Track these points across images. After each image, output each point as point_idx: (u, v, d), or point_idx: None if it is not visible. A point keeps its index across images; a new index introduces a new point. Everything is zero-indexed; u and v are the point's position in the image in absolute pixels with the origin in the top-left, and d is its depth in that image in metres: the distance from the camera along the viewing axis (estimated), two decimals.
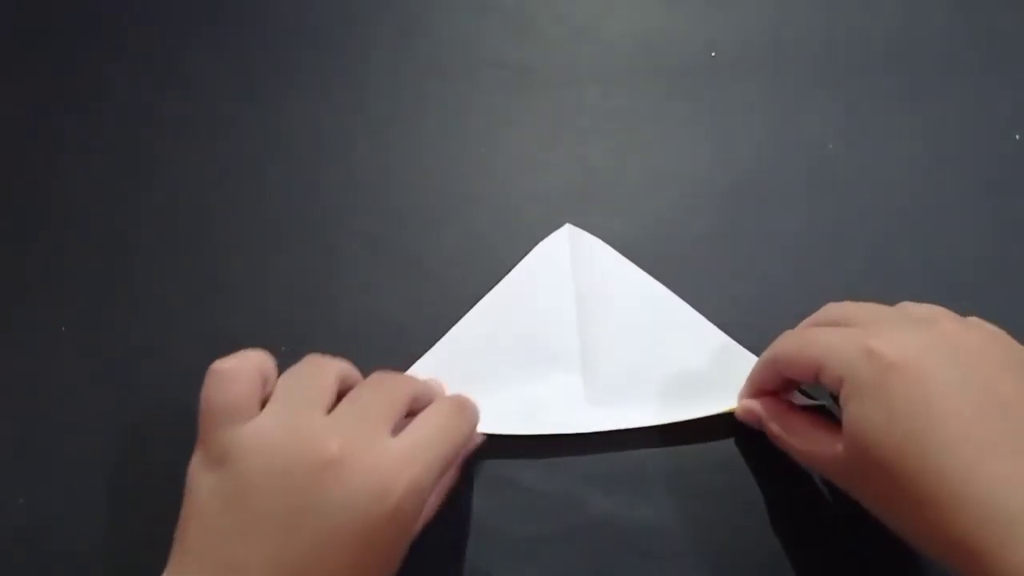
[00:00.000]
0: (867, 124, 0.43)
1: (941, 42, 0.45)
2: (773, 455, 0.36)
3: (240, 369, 0.29)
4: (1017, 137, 0.43)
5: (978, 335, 0.29)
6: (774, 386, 0.34)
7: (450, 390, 0.36)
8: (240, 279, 0.40)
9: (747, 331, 0.37)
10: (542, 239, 0.40)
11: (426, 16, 0.46)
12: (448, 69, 0.45)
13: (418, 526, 0.31)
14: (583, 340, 0.37)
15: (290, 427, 0.28)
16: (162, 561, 0.35)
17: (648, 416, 0.36)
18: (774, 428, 0.33)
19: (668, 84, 0.44)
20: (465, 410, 0.32)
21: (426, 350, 0.38)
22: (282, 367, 0.39)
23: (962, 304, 0.39)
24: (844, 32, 0.45)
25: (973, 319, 0.31)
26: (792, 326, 0.35)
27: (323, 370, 0.30)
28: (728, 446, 0.36)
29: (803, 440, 0.32)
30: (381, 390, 0.31)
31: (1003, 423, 0.26)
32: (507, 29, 0.46)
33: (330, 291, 0.40)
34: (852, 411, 0.28)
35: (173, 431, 0.37)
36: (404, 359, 0.37)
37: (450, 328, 0.38)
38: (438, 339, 0.38)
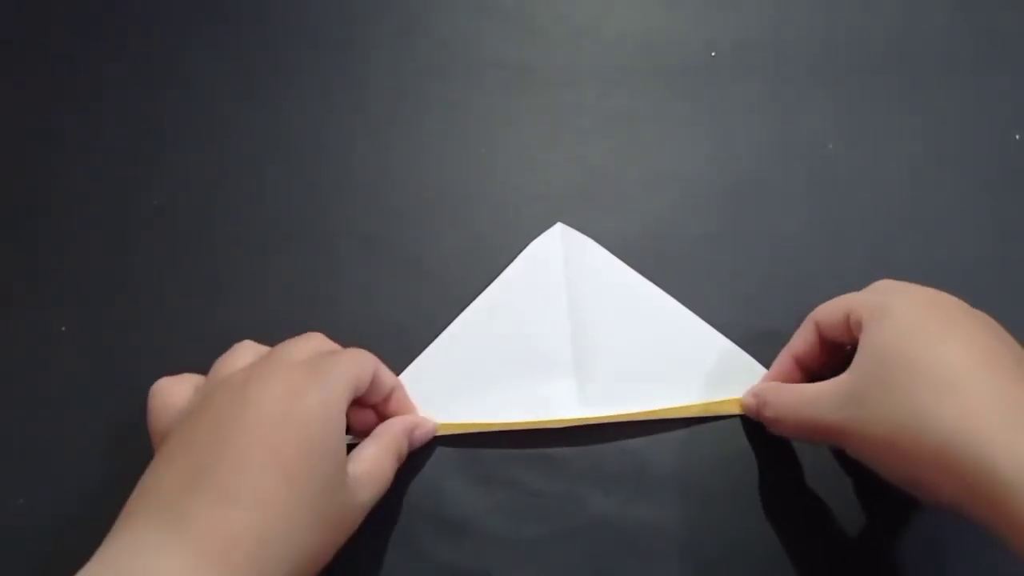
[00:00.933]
0: (867, 124, 0.43)
1: (941, 42, 0.45)
2: (773, 455, 0.36)
3: (179, 379, 0.33)
4: (1017, 137, 0.43)
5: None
6: (805, 350, 0.34)
7: (443, 391, 0.36)
8: (240, 279, 0.40)
9: (747, 331, 0.38)
10: (542, 235, 0.40)
11: (426, 16, 0.46)
12: (448, 69, 0.45)
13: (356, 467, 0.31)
14: (575, 339, 0.38)
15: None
16: None
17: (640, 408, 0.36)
18: (771, 398, 0.34)
19: (668, 84, 0.44)
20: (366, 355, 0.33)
21: (427, 348, 0.38)
22: None
23: None
24: (844, 32, 0.45)
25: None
26: (792, 326, 0.35)
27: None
28: (728, 447, 0.36)
29: (798, 395, 0.32)
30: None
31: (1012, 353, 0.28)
32: (507, 29, 0.46)
33: (330, 291, 0.40)
34: (873, 327, 0.30)
35: None
36: (404, 359, 0.37)
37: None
38: (439, 337, 0.38)
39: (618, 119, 0.44)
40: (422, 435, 0.35)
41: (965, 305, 0.31)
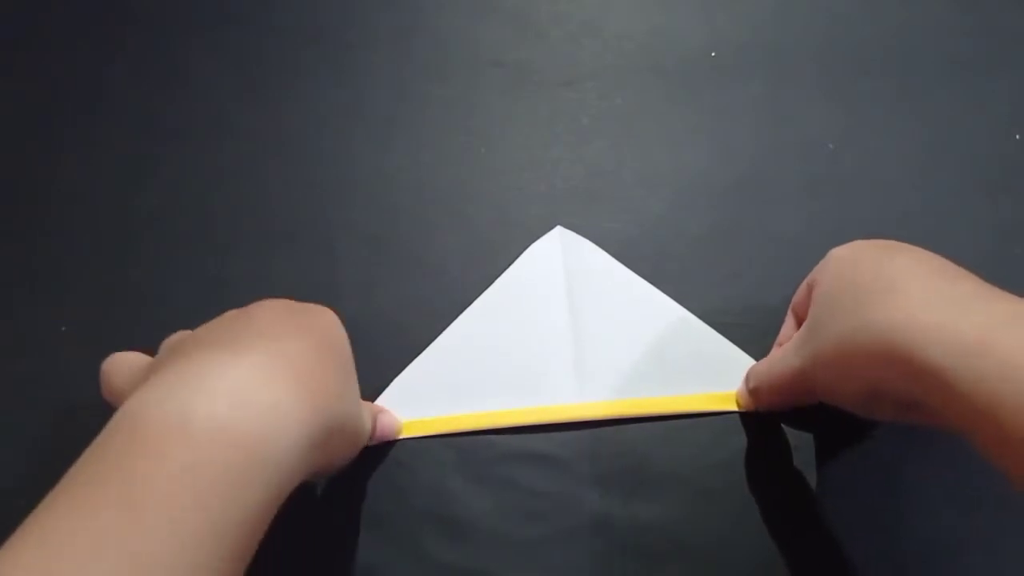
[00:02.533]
0: (867, 124, 0.43)
1: (941, 42, 0.45)
2: (773, 456, 0.36)
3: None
4: (1017, 137, 0.43)
5: None
6: (789, 336, 0.35)
7: (441, 395, 0.37)
8: (240, 279, 0.40)
9: (746, 331, 0.38)
10: (541, 238, 0.40)
11: (426, 16, 0.46)
12: (448, 69, 0.45)
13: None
14: (575, 339, 0.38)
15: None
16: None
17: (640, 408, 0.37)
18: (751, 371, 0.35)
19: (668, 84, 0.44)
20: None
21: (426, 349, 0.38)
22: None
23: None
24: (844, 32, 0.45)
25: None
26: None
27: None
28: (728, 447, 0.36)
29: (770, 357, 0.34)
30: None
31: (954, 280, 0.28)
32: (507, 29, 0.46)
33: (330, 291, 0.40)
34: (820, 275, 0.32)
35: None
36: (404, 359, 0.37)
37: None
38: (438, 338, 0.38)
39: (618, 119, 0.44)
40: (386, 421, 0.35)
41: (904, 243, 0.32)
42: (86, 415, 0.38)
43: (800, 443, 0.36)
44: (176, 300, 0.40)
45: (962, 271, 0.29)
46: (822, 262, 0.33)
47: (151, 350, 0.39)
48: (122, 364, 0.30)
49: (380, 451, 0.36)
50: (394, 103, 0.44)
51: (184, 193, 0.42)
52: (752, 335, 0.37)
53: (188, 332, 0.30)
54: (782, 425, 0.36)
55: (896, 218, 0.41)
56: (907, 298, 0.27)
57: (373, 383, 0.37)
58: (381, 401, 0.36)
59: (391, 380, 0.37)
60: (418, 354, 0.38)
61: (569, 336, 0.38)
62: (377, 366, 0.37)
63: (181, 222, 0.42)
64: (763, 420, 0.36)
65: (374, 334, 0.39)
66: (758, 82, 0.44)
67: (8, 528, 0.36)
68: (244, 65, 0.45)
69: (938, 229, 0.41)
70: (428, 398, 0.36)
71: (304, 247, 0.41)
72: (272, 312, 0.29)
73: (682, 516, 0.35)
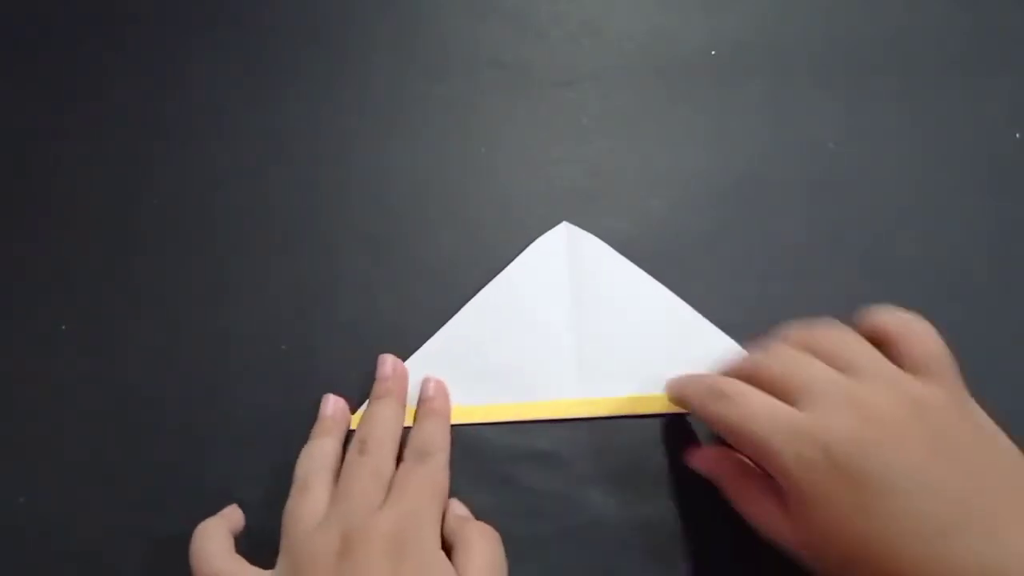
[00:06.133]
0: (867, 124, 0.43)
1: (941, 42, 0.45)
2: None
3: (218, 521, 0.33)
4: (1017, 136, 0.43)
5: (909, 407, 0.29)
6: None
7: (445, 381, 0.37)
8: (240, 279, 0.40)
9: (747, 331, 0.37)
10: (546, 233, 0.40)
11: (426, 16, 0.46)
12: (448, 69, 0.45)
13: None
14: (578, 338, 0.38)
15: None
16: (161, 560, 0.35)
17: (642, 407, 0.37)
18: (726, 487, 0.33)
19: (668, 84, 0.44)
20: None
21: (427, 341, 0.38)
22: (282, 366, 0.39)
23: (962, 304, 0.39)
24: (844, 32, 0.45)
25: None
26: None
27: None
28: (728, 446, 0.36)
29: (755, 510, 0.31)
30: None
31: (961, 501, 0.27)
32: (507, 29, 0.46)
33: (330, 291, 0.40)
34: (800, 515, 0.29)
35: (173, 431, 0.37)
36: (404, 359, 0.38)
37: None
38: (439, 330, 0.38)
39: (618, 119, 0.44)
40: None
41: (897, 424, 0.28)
42: (86, 415, 0.38)
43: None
44: (176, 300, 0.40)
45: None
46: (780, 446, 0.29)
47: (150, 350, 0.39)
48: (210, 543, 0.32)
49: None
50: (394, 103, 0.44)
51: (184, 193, 0.42)
52: (751, 335, 0.37)
53: (313, 509, 0.32)
54: None
55: (896, 218, 0.41)
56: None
57: (372, 384, 0.37)
58: None
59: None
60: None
61: (572, 331, 0.38)
62: (376, 366, 0.37)
63: (181, 222, 0.42)
64: None
65: (374, 334, 0.39)
66: (758, 82, 0.44)
67: (8, 528, 0.36)
68: (244, 65, 0.45)
69: (938, 229, 0.41)
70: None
71: (304, 247, 0.41)
72: None
73: (683, 516, 0.35)
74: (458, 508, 0.34)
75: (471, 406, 0.37)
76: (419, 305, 0.39)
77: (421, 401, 0.36)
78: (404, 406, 0.36)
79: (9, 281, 0.40)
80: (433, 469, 0.33)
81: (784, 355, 0.32)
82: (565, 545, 0.35)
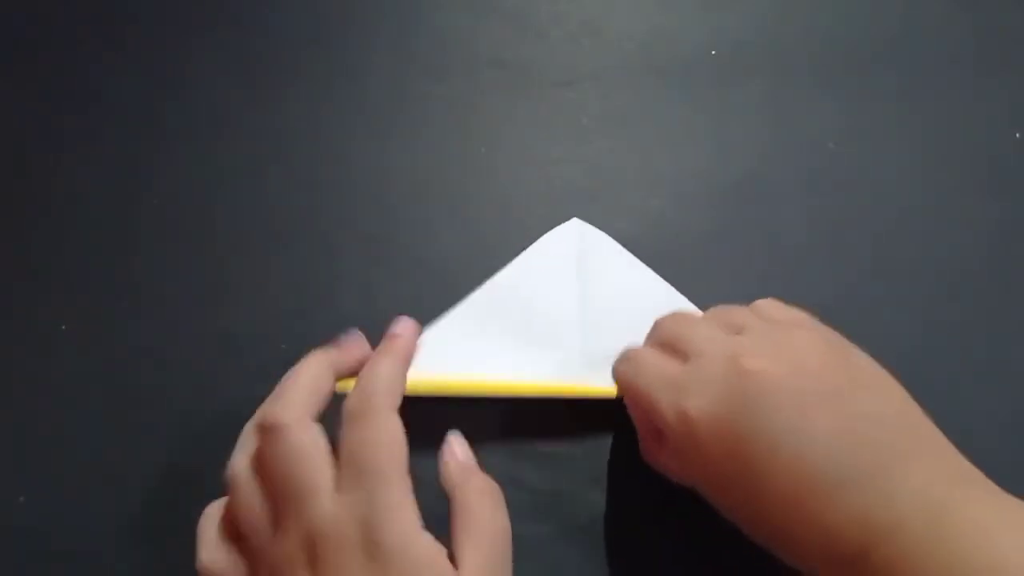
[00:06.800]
0: (867, 124, 0.43)
1: (941, 41, 0.45)
2: None
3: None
4: (1017, 136, 0.43)
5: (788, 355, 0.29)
6: None
7: (447, 370, 0.35)
8: (240, 279, 0.40)
9: None
10: (556, 228, 0.40)
11: (426, 16, 0.46)
12: (448, 69, 0.45)
13: None
14: (583, 333, 0.37)
15: None
16: (161, 560, 0.35)
17: None
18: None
19: (668, 84, 0.44)
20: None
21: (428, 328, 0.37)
22: (282, 366, 0.39)
23: (962, 304, 0.39)
24: (844, 32, 0.45)
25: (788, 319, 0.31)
26: None
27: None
28: None
29: (648, 453, 0.33)
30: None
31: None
32: (507, 29, 0.46)
33: (330, 291, 0.40)
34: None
35: (173, 431, 0.38)
36: None
37: None
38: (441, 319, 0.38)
39: (618, 118, 0.44)
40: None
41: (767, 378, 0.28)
42: (86, 415, 0.38)
43: None
44: (176, 300, 0.40)
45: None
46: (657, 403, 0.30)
47: (150, 350, 0.39)
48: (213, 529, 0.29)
49: None
50: (394, 103, 0.44)
51: (184, 193, 0.42)
52: None
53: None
54: None
55: (896, 218, 0.41)
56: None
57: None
58: None
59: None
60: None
61: (577, 326, 0.37)
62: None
63: (181, 222, 0.42)
64: None
65: (374, 334, 0.38)
66: (758, 82, 0.44)
67: (8, 527, 0.36)
68: (244, 65, 0.45)
69: (938, 229, 0.41)
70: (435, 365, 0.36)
71: (304, 247, 0.41)
72: None
73: (683, 516, 0.35)
74: (458, 448, 0.31)
75: (472, 378, 0.35)
76: (419, 305, 0.39)
77: (385, 337, 0.33)
78: (407, 366, 0.33)
79: (9, 281, 0.40)
80: (381, 428, 0.28)
81: (680, 318, 0.33)
82: (565, 545, 0.35)
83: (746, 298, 0.39)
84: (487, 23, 0.46)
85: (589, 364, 0.37)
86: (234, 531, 0.29)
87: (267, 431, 0.28)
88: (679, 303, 0.38)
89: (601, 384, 0.36)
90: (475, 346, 0.37)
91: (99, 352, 0.39)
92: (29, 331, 0.39)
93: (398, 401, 0.30)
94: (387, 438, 0.28)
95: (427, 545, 0.26)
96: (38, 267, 0.41)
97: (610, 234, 0.40)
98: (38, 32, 0.46)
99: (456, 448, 0.31)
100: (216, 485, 0.36)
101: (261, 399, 0.37)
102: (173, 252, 0.41)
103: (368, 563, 0.25)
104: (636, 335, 0.37)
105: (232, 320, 0.39)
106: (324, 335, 0.39)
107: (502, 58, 0.45)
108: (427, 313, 0.39)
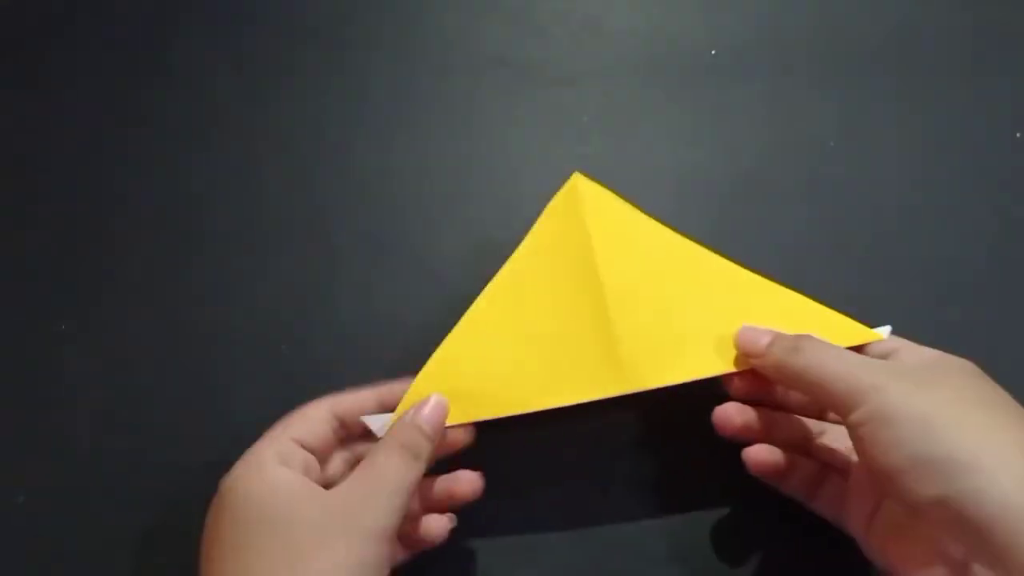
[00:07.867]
0: (867, 123, 0.43)
1: (942, 41, 0.45)
2: None
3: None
4: (1017, 136, 0.43)
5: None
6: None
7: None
8: (240, 279, 0.40)
9: None
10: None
11: (427, 15, 0.46)
12: (449, 67, 0.45)
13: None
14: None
15: None
16: (161, 559, 0.35)
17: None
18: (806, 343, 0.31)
19: (668, 83, 0.44)
20: None
21: (426, 350, 0.37)
22: (282, 366, 0.39)
23: (962, 304, 0.39)
24: (844, 31, 0.45)
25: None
26: None
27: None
28: (729, 446, 0.36)
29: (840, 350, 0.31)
30: None
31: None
32: (508, 27, 0.46)
33: (330, 291, 0.40)
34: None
35: (173, 431, 0.38)
36: (404, 359, 0.37)
37: (453, 325, 0.36)
38: (438, 339, 0.37)
39: (619, 117, 0.44)
40: (432, 409, 0.32)
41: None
42: (86, 415, 0.38)
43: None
44: (176, 300, 0.40)
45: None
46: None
47: (150, 350, 0.39)
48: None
49: None
50: (395, 102, 0.44)
51: (184, 193, 0.42)
52: None
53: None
54: None
55: (896, 218, 0.41)
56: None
57: (372, 383, 0.36)
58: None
59: (390, 380, 0.34)
60: (417, 353, 0.37)
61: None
62: (376, 366, 0.37)
63: (181, 222, 0.42)
64: None
65: (374, 334, 0.39)
66: (758, 81, 0.44)
67: (8, 527, 0.36)
68: (244, 65, 0.45)
69: (938, 228, 0.41)
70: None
71: (303, 247, 0.41)
72: None
73: (684, 516, 0.35)
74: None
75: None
76: (419, 305, 0.39)
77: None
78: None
79: (9, 280, 0.40)
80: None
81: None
82: (565, 545, 0.35)
83: None
84: (488, 21, 0.46)
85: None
86: None
87: None
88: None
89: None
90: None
91: (99, 352, 0.39)
92: (29, 331, 0.39)
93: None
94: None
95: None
96: (38, 267, 0.41)
97: None
98: (38, 32, 0.46)
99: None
100: (215, 485, 0.36)
101: (261, 399, 0.37)
102: (173, 252, 0.41)
103: None
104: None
105: (232, 320, 0.39)
106: (324, 335, 0.39)
107: (503, 56, 0.45)
108: (427, 313, 0.39)
